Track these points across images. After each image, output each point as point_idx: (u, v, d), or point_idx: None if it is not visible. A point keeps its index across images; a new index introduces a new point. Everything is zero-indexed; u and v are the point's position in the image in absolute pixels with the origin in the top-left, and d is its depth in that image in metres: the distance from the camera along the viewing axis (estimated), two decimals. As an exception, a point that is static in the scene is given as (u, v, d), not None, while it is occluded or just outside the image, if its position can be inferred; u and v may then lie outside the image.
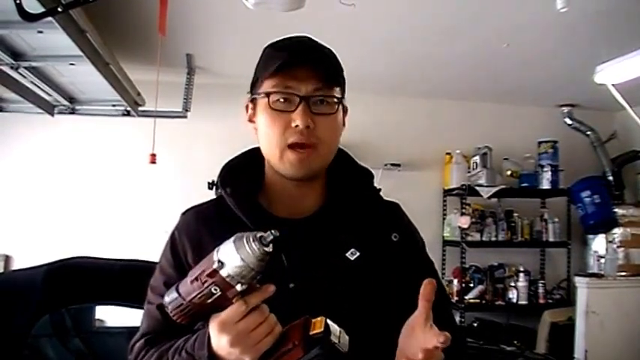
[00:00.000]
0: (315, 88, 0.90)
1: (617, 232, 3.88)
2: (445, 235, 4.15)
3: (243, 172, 1.00)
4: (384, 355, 0.83)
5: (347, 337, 0.77)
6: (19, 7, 1.64)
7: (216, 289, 0.75)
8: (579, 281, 3.63)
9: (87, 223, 3.67)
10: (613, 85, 2.76)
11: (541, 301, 4.02)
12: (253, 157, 1.02)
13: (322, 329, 0.74)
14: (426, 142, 4.23)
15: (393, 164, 4.03)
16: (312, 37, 0.96)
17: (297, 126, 0.88)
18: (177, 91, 3.48)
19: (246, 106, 0.99)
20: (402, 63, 3.47)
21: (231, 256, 0.73)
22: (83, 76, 2.78)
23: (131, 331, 0.99)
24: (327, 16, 2.55)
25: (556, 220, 4.11)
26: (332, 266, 0.92)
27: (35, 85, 2.84)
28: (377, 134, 4.04)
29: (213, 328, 0.77)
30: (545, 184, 4.06)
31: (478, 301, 3.95)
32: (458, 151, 4.11)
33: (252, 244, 0.73)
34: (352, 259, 0.93)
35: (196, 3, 2.56)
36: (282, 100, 0.90)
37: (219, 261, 0.74)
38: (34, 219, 3.65)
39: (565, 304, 4.01)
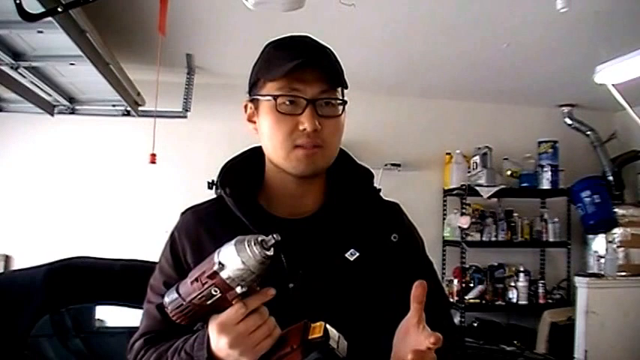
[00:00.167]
0: (321, 90, 0.90)
1: (617, 232, 3.88)
2: (445, 235, 4.15)
3: (242, 172, 1.00)
4: (383, 357, 0.83)
5: (345, 343, 0.77)
6: (19, 7, 1.64)
7: (216, 291, 0.75)
8: (579, 281, 3.63)
9: (87, 223, 3.67)
10: (613, 85, 2.76)
11: (541, 301, 4.01)
12: (253, 156, 1.01)
13: (321, 334, 0.74)
14: (426, 142, 4.23)
15: (393, 164, 4.03)
16: (313, 37, 0.96)
17: (304, 129, 0.88)
18: (177, 91, 3.48)
19: (245, 106, 0.98)
20: (402, 63, 3.47)
21: (232, 259, 0.73)
22: (83, 76, 2.78)
23: (131, 331, 0.99)
24: (327, 16, 2.55)
25: (556, 220, 4.11)
26: (331, 267, 0.92)
27: (35, 85, 2.84)
28: (377, 134, 4.04)
29: (212, 329, 0.78)
30: (545, 184, 4.06)
31: (478, 301, 3.95)
32: (458, 151, 4.11)
33: (254, 247, 0.73)
34: (351, 259, 0.93)
35: (196, 3, 2.56)
36: (288, 102, 0.89)
37: (219, 263, 0.74)
38: (34, 219, 3.65)
39: (565, 304, 4.01)
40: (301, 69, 0.88)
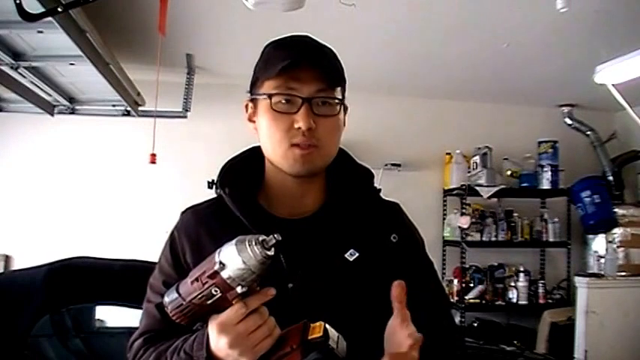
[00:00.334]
0: (317, 89, 0.90)
1: (617, 232, 3.88)
2: (445, 235, 4.15)
3: (242, 171, 1.00)
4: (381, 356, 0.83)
5: (345, 343, 0.77)
6: (19, 7, 1.64)
7: (216, 291, 0.75)
8: (579, 281, 3.63)
9: (87, 223, 3.67)
10: (613, 85, 2.76)
11: (541, 301, 4.02)
12: (253, 156, 1.01)
13: (321, 334, 0.75)
14: (426, 142, 4.23)
15: (393, 164, 4.03)
16: (313, 37, 0.96)
17: (299, 128, 0.88)
18: (177, 91, 3.48)
19: (246, 106, 0.98)
20: (402, 63, 3.47)
21: (233, 259, 0.73)
22: (83, 76, 2.78)
23: (131, 331, 0.99)
24: (327, 16, 2.55)
25: (556, 220, 4.11)
26: (331, 267, 0.92)
27: (35, 85, 2.84)
28: (377, 134, 4.04)
29: (212, 328, 0.78)
30: (545, 184, 4.06)
31: (478, 301, 3.95)
32: (458, 151, 4.11)
33: (255, 247, 0.73)
34: (351, 260, 0.93)
35: (196, 3, 2.56)
36: (284, 101, 0.90)
37: (220, 262, 0.74)
38: (34, 219, 3.65)
39: (565, 304, 4.01)
40: (298, 67, 0.88)
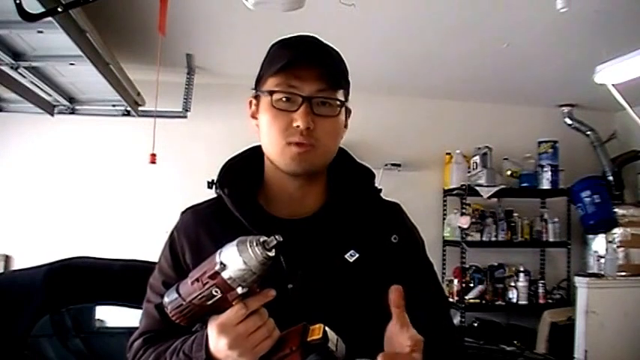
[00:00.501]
0: (318, 89, 0.89)
1: (617, 232, 3.88)
2: (445, 235, 4.15)
3: (242, 171, 0.99)
4: None
5: (344, 345, 0.77)
6: (19, 7, 1.64)
7: (216, 291, 0.75)
8: (579, 281, 3.63)
9: (87, 223, 3.67)
10: (613, 85, 2.77)
11: (541, 301, 4.01)
12: (253, 156, 1.01)
13: (320, 336, 0.75)
14: (426, 142, 4.23)
15: (393, 164, 4.03)
16: (319, 37, 0.96)
17: (297, 126, 0.88)
18: (177, 91, 3.48)
19: (250, 102, 0.98)
20: (402, 63, 3.47)
21: (234, 259, 0.73)
22: (83, 76, 2.78)
23: (131, 331, 0.99)
24: (327, 16, 2.55)
25: (556, 220, 4.11)
26: (330, 268, 0.92)
27: (35, 85, 2.84)
28: (377, 134, 4.04)
29: (212, 329, 0.77)
30: (545, 184, 4.06)
31: (478, 301, 3.95)
32: (458, 151, 4.10)
33: (256, 248, 0.73)
34: (351, 260, 0.93)
35: (196, 3, 2.56)
36: (284, 99, 0.90)
37: (221, 263, 0.74)
38: (34, 219, 3.65)
39: (565, 304, 4.01)
40: (300, 66, 0.88)
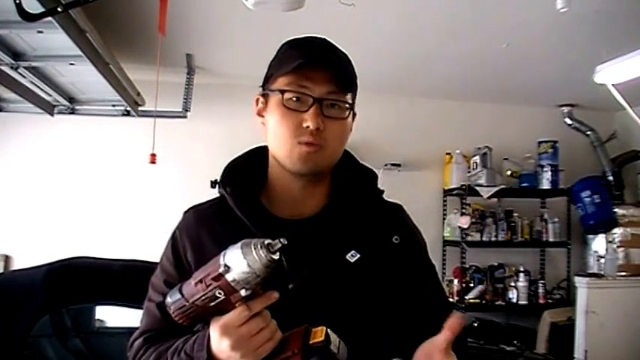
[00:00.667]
0: (329, 91, 0.90)
1: (617, 232, 3.87)
2: (445, 235, 4.15)
3: (245, 171, 1.00)
4: (381, 358, 0.83)
5: (346, 348, 0.77)
6: (19, 7, 1.64)
7: (220, 293, 0.75)
8: (579, 281, 3.63)
9: (87, 223, 3.67)
10: (613, 85, 2.76)
11: (541, 301, 4.01)
12: (257, 156, 1.02)
13: (322, 338, 0.75)
14: (426, 142, 4.23)
15: (393, 164, 4.03)
16: (330, 40, 0.96)
17: (307, 127, 0.89)
18: (177, 91, 3.48)
19: (257, 100, 0.99)
20: (402, 63, 3.47)
21: (238, 262, 0.73)
22: (83, 76, 2.78)
23: (131, 331, 0.99)
24: (327, 16, 2.55)
25: (556, 220, 4.11)
26: (331, 268, 0.92)
27: (35, 85, 2.84)
28: (377, 134, 4.04)
29: (214, 330, 0.78)
30: (545, 184, 4.06)
31: (478, 301, 3.95)
32: (458, 151, 4.11)
33: (260, 251, 0.73)
34: (352, 261, 0.93)
35: (196, 3, 2.56)
36: (295, 99, 0.90)
37: (225, 265, 0.74)
38: (34, 219, 3.65)
39: (565, 304, 4.01)
40: (312, 67, 0.89)
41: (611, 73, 2.58)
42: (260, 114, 0.98)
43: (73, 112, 3.40)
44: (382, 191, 1.03)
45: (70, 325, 2.00)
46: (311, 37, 0.96)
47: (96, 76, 2.62)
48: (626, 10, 2.48)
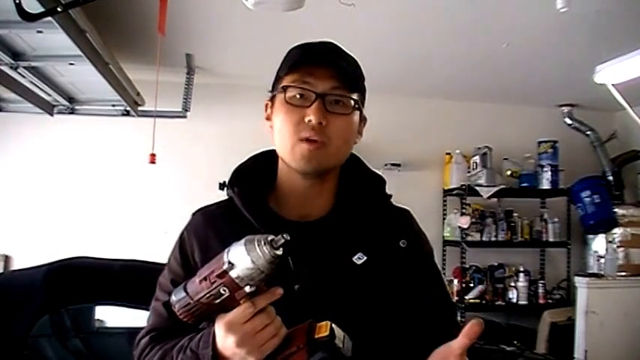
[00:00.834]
0: (332, 87, 0.91)
1: (617, 232, 3.88)
2: (445, 235, 4.15)
3: (253, 173, 1.01)
4: (385, 358, 0.83)
5: (351, 342, 0.77)
6: (19, 7, 1.64)
7: (224, 290, 0.75)
8: (579, 281, 3.63)
9: (87, 223, 3.67)
10: (613, 85, 2.76)
11: (541, 301, 4.01)
12: (265, 160, 1.02)
13: (327, 333, 0.75)
14: (426, 142, 4.23)
15: (393, 164, 4.03)
16: (337, 43, 0.97)
17: (310, 121, 0.89)
18: (177, 91, 3.48)
19: (266, 105, 1.00)
20: (402, 63, 3.47)
21: (242, 258, 0.73)
22: (83, 76, 2.78)
23: (131, 331, 0.99)
24: (327, 16, 2.55)
25: (556, 220, 4.11)
26: (338, 270, 0.92)
27: (35, 85, 2.84)
28: (377, 134, 4.01)
29: (219, 327, 0.78)
30: (545, 184, 4.06)
31: (478, 301, 3.95)
32: (458, 151, 4.11)
33: (264, 247, 0.73)
34: (358, 263, 0.93)
35: (196, 3, 2.56)
36: (298, 95, 0.91)
37: (229, 262, 0.74)
38: (34, 219, 3.65)
39: (565, 304, 4.01)
40: (314, 64, 0.90)
41: (611, 73, 2.58)
42: (268, 118, 0.99)
43: (72, 112, 3.40)
44: (390, 196, 1.04)
45: (69, 325, 1.99)
46: (319, 40, 0.98)
47: (96, 76, 2.61)
48: (626, 10, 2.48)
